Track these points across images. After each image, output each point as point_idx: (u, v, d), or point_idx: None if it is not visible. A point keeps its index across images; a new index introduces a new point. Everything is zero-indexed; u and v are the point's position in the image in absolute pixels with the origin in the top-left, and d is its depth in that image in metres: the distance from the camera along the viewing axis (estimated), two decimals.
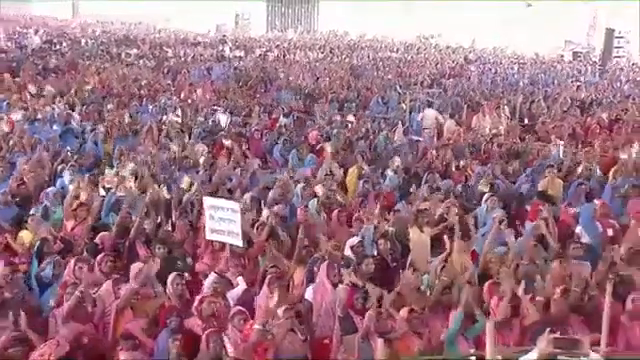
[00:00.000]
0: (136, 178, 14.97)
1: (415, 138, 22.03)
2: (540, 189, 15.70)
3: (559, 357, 6.97)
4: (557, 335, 7.03)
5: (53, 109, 21.96)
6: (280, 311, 9.60)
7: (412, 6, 55.32)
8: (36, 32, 46.49)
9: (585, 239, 13.12)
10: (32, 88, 25.65)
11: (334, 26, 59.41)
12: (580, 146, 21.09)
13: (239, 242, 11.01)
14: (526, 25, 50.32)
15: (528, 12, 52.57)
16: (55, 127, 19.63)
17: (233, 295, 10.52)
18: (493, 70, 38.90)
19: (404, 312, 9.70)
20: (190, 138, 20.06)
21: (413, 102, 26.62)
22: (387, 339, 9.35)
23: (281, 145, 19.50)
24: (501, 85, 33.27)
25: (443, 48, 50.66)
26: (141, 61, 37.39)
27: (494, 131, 23.14)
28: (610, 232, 13.51)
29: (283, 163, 18.45)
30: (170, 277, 10.16)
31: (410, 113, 25.52)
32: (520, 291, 10.12)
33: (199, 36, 52.54)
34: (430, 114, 24.92)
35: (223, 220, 10.92)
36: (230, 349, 9.09)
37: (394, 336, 9.46)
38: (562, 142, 20.01)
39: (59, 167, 15.94)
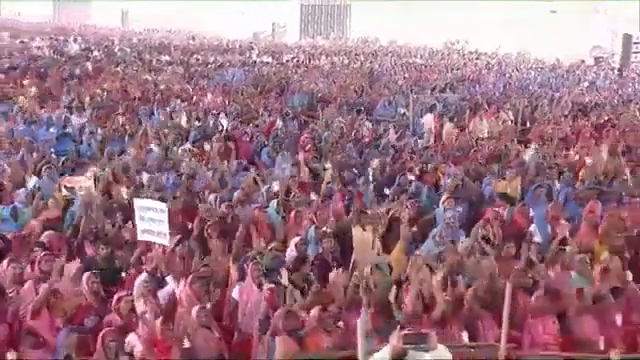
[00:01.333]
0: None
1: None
2: (499, 190, 15.42)
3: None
4: (406, 331, 7.02)
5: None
6: (194, 310, 9.55)
7: (442, 13, 54.82)
8: (75, 40, 46.84)
9: (537, 239, 13.03)
10: (34, 89, 25.74)
11: (366, 33, 59.23)
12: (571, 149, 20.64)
13: (166, 242, 10.86)
14: (552, 31, 49.65)
15: (552, 18, 51.76)
16: (52, 130, 19.64)
17: (163, 293, 10.37)
18: (507, 75, 38.25)
19: (315, 310, 9.57)
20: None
21: (418, 106, 26.25)
22: (295, 336, 9.28)
23: (270, 147, 19.32)
24: (512, 89, 32.63)
25: (467, 54, 50.18)
26: (170, 67, 37.23)
27: (481, 134, 22.76)
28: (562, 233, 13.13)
29: (270, 165, 18.21)
30: (85, 276, 10.11)
31: (414, 117, 25.17)
32: (435, 286, 9.92)
33: (231, 43, 52.42)
34: (428, 118, 24.70)
35: (153, 221, 10.80)
36: (138, 347, 9.02)
37: (302, 333, 9.35)
38: (535, 145, 19.66)
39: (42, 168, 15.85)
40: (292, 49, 49.50)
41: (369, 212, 13.22)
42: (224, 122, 22.67)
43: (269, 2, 61.09)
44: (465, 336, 9.85)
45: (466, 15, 53.74)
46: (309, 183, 16.07)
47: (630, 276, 11.03)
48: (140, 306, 9.80)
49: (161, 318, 9.11)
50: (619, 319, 10.35)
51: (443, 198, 14.52)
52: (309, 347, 9.25)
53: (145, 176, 14.96)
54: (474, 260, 11.41)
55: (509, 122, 24.78)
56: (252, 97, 27.75)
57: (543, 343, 9.93)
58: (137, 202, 11.36)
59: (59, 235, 12.18)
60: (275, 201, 14.18)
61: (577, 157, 18.72)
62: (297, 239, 12.14)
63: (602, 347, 10.01)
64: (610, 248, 12.38)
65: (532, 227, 13.43)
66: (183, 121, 23.03)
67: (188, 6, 65.63)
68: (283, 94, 30.22)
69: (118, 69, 34.14)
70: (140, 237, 11.23)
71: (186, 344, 9.24)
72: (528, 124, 25.32)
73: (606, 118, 24.41)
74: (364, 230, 12.67)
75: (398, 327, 7.25)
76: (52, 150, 17.79)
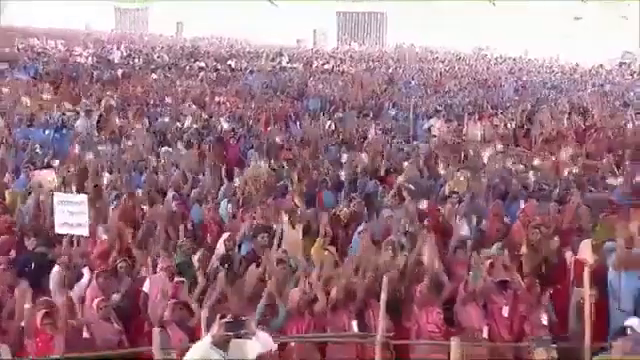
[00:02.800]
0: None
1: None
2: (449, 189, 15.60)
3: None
4: (227, 319, 7.26)
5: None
6: (94, 302, 9.84)
7: (472, 19, 54.63)
8: (118, 47, 47.71)
9: (463, 232, 13.40)
10: (46, 95, 26.44)
11: (402, 40, 59.30)
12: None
13: (85, 232, 11.16)
14: (578, 37, 49.29)
15: (579, 24, 51.31)
16: (47, 131, 20.23)
17: (81, 285, 10.69)
18: (523, 79, 38.13)
19: (209, 302, 9.84)
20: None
21: (421, 110, 26.51)
22: (184, 327, 9.58)
23: (255, 149, 19.68)
24: (524, 93, 32.60)
25: (492, 59, 50.00)
26: (202, 73, 37.87)
27: (475, 138, 22.88)
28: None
29: None
30: None
31: (415, 120, 25.41)
32: (315, 280, 10.20)
33: (261, 49, 52.85)
34: (432, 122, 24.94)
35: (72, 213, 11.03)
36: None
37: (191, 325, 9.65)
38: (496, 146, 19.76)
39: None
40: (324, 55, 49.65)
41: (299, 211, 13.41)
42: (225, 125, 23.08)
43: (311, 11, 61.44)
44: (355, 325, 10.10)
45: (495, 21, 53.37)
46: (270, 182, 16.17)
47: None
48: (57, 298, 10.10)
49: (43, 311, 9.19)
50: (505, 310, 10.50)
51: (387, 197, 14.73)
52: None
53: (107, 176, 15.27)
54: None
55: (502, 126, 24.65)
56: (266, 101, 28.04)
57: (428, 332, 10.15)
58: (57, 196, 11.55)
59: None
60: (226, 200, 14.47)
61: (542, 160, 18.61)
62: (226, 235, 12.41)
63: (486, 336, 10.25)
64: (528, 244, 12.46)
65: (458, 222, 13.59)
66: (188, 123, 23.44)
67: (238, 16, 66.54)
68: (299, 98, 30.58)
69: (154, 75, 34.77)
70: (58, 230, 11.38)
71: (85, 335, 9.54)
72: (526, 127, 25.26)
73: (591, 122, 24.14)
74: (293, 228, 12.89)
75: (218, 316, 7.45)
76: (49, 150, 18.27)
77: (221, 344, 7.20)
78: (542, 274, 11.89)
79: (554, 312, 11.18)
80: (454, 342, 8.48)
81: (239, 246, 12.63)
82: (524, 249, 12.39)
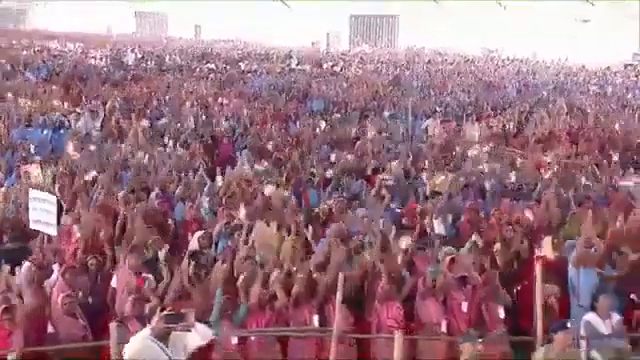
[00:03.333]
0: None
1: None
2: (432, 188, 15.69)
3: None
4: (167, 312, 7.41)
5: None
6: (59, 298, 9.97)
7: (483, 21, 54.77)
8: (132, 50, 48.05)
9: (439, 230, 13.65)
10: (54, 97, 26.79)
11: (413, 42, 59.53)
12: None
13: (53, 232, 11.31)
14: (588, 38, 49.27)
15: (587, 27, 51.21)
16: (45, 132, 20.48)
17: (50, 282, 10.78)
18: (525, 80, 38.15)
19: (170, 296, 10.00)
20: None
21: (418, 110, 26.62)
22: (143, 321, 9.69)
23: (248, 149, 19.84)
24: (526, 94, 32.63)
25: (499, 61, 50.03)
26: (211, 75, 38.11)
27: (472, 139, 22.98)
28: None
29: None
30: None
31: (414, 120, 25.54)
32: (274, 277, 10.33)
33: (273, 51, 53.12)
34: (429, 122, 25.05)
35: (43, 211, 11.22)
36: None
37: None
38: (482, 146, 19.83)
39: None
40: (334, 57, 49.81)
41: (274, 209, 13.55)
42: (224, 125, 23.28)
43: (325, 13, 61.85)
44: (316, 320, 10.24)
45: (505, 23, 53.52)
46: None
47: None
48: (25, 294, 10.23)
49: (2, 306, 9.30)
50: (465, 305, 10.61)
51: (369, 197, 14.87)
52: None
53: (91, 174, 15.43)
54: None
55: (499, 127, 24.71)
56: (268, 102, 28.23)
57: (387, 327, 10.27)
58: (31, 193, 11.75)
59: None
60: (207, 198, 14.60)
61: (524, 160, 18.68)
62: (200, 233, 12.55)
63: (445, 330, 10.45)
64: (501, 240, 12.56)
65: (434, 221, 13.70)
66: (191, 123, 23.63)
67: (255, 19, 67.10)
68: (303, 99, 30.74)
69: (166, 77, 35.06)
70: (32, 226, 11.59)
71: (50, 329, 9.70)
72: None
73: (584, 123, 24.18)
74: (268, 225, 13.01)
75: (159, 309, 7.56)
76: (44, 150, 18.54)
77: (161, 336, 7.32)
78: (514, 270, 12.18)
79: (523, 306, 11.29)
80: (397, 335, 8.58)
81: (216, 244, 12.65)
82: (497, 246, 12.47)
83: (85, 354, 9.53)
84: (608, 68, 45.32)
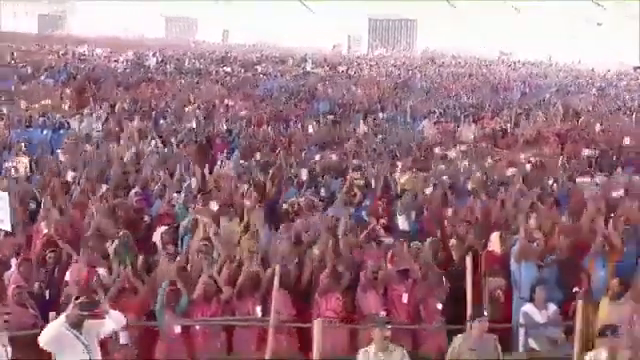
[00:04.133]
0: None
1: None
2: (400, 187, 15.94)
3: None
4: (82, 300, 7.76)
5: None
6: (10, 289, 10.32)
7: (499, 24, 54.90)
8: (154, 54, 48.71)
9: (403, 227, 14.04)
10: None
11: (432, 45, 59.84)
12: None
13: (8, 227, 11.60)
14: (600, 40, 49.23)
15: (599, 30, 51.08)
16: (45, 132, 20.96)
17: (8, 274, 11.05)
18: (529, 83, 38.23)
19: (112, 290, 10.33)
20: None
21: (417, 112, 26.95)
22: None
23: (240, 149, 20.19)
24: (530, 96, 32.79)
25: (512, 63, 50.08)
26: (227, 78, 38.59)
27: (467, 139, 23.23)
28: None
29: None
30: None
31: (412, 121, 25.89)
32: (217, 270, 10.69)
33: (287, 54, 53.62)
34: (425, 123, 25.32)
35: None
36: None
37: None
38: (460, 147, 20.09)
39: None
40: (350, 60, 50.14)
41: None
42: (224, 126, 23.67)
43: (347, 17, 62.47)
44: (259, 310, 10.56)
45: (520, 27, 53.56)
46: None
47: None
48: None
49: None
50: (405, 297, 10.90)
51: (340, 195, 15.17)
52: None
53: (70, 174, 15.81)
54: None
55: (492, 127, 24.90)
56: (270, 104, 28.62)
57: (326, 317, 10.56)
58: None
59: None
60: (183, 195, 14.91)
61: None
62: (163, 228, 12.90)
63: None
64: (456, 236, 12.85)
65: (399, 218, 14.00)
66: (193, 124, 24.03)
67: (280, 24, 67.85)
68: (309, 101, 31.08)
69: (183, 78, 35.58)
70: None
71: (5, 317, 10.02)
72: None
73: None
74: (230, 220, 13.33)
75: (74, 297, 7.88)
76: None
77: (75, 323, 7.67)
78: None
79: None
80: (316, 323, 8.91)
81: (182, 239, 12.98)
82: (452, 241, 12.77)
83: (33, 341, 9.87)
84: (609, 70, 45.21)
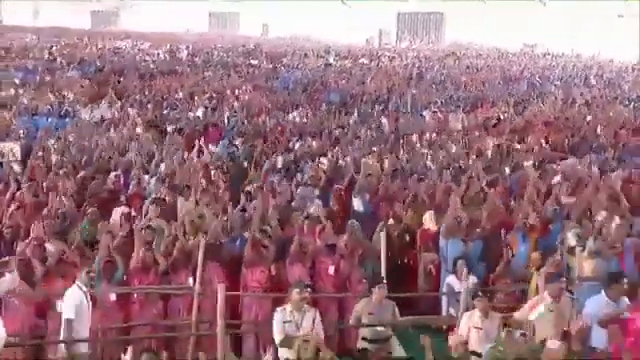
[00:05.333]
0: None
1: None
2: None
3: None
4: None
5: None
6: None
7: (524, 16, 54.96)
8: (187, 47, 49.68)
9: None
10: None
11: (461, 38, 60.09)
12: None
13: None
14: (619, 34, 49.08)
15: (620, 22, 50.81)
16: (50, 119, 21.85)
17: None
18: (538, 75, 38.37)
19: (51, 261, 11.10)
20: None
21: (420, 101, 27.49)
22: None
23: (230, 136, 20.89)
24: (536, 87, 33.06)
25: (534, 55, 50.10)
26: (251, 70, 39.28)
27: (455, 128, 23.65)
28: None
29: None
30: None
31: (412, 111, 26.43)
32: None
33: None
34: (426, 113, 25.82)
35: None
36: None
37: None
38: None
39: None
40: (373, 53, 50.61)
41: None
42: (227, 114, 24.39)
43: (379, 11, 63.06)
44: (191, 281, 11.25)
45: (546, 19, 53.62)
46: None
47: None
48: None
49: None
50: (331, 269, 11.62)
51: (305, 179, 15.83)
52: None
53: (53, 157, 16.63)
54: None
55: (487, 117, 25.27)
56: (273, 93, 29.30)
57: (251, 287, 11.32)
58: None
59: None
60: (155, 178, 15.61)
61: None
62: (122, 208, 13.67)
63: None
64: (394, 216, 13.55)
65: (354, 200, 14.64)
66: (200, 113, 24.80)
67: (316, 17, 68.74)
68: (321, 91, 31.63)
69: (208, 72, 36.45)
70: None
71: None
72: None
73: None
74: (186, 200, 14.02)
75: None
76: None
77: None
78: (407, 242, 13.30)
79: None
80: (220, 289, 9.62)
81: None
82: (390, 220, 13.40)
83: None
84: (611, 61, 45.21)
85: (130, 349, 8.12)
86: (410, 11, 66.02)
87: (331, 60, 45.08)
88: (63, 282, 10.55)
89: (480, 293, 9.85)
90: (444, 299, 11.99)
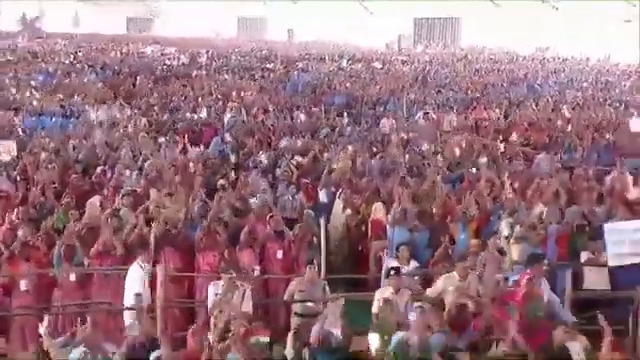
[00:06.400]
0: None
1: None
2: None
3: None
4: None
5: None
6: None
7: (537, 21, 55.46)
8: (207, 52, 50.59)
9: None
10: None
11: (476, 42, 60.71)
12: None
13: None
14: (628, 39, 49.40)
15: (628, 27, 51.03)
16: (54, 119, 22.81)
17: None
18: (540, 78, 38.82)
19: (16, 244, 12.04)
20: None
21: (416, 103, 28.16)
22: None
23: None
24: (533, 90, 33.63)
25: (543, 59, 50.48)
26: (266, 73, 40.05)
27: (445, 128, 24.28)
28: None
29: None
30: None
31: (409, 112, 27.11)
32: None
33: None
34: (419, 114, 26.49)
35: None
36: None
37: None
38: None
39: None
40: (387, 57, 51.23)
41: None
42: (227, 116, 25.22)
43: (400, 17, 63.86)
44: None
45: (557, 23, 54.15)
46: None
47: None
48: None
49: None
50: (280, 254, 12.65)
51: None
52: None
53: (43, 153, 17.57)
54: None
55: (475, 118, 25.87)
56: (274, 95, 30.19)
57: (203, 270, 12.16)
58: None
59: None
60: (136, 172, 16.47)
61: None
62: (97, 197, 14.58)
63: (258, 273, 12.41)
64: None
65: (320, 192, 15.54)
66: (204, 114, 25.65)
67: (340, 23, 69.74)
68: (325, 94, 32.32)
69: (225, 76, 37.36)
70: None
71: None
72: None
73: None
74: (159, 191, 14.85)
75: None
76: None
77: None
78: (363, 231, 14.34)
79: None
80: (159, 270, 10.46)
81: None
82: (347, 211, 14.26)
83: None
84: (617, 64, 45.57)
85: (46, 318, 8.96)
86: (427, 16, 66.71)
87: (344, 64, 45.69)
88: (27, 264, 11.49)
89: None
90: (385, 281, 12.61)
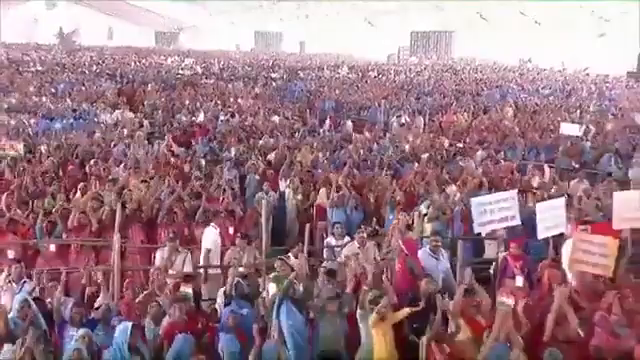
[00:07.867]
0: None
1: None
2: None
3: None
4: None
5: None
6: None
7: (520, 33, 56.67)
8: (219, 62, 51.99)
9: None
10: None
11: (467, 54, 61.95)
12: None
13: None
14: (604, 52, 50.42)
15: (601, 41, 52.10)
16: (64, 121, 24.08)
17: None
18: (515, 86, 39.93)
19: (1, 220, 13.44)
20: None
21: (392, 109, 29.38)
22: None
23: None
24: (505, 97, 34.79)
25: (524, 71, 51.57)
26: (268, 82, 41.35)
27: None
28: None
29: None
30: None
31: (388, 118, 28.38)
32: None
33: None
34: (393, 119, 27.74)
35: None
36: None
37: None
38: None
39: None
40: (381, 67, 52.43)
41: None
42: (221, 117, 26.52)
43: (400, 30, 65.29)
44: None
45: (539, 37, 55.28)
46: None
47: None
48: None
49: None
50: (231, 229, 13.79)
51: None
52: None
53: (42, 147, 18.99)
54: None
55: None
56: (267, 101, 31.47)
57: (162, 242, 13.29)
58: None
59: None
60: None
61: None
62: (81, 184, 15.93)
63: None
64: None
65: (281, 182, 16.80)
66: (201, 118, 26.92)
67: (345, 36, 71.14)
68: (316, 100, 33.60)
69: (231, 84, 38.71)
70: None
71: None
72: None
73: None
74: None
75: None
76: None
77: None
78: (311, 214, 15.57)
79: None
80: (115, 242, 11.77)
81: None
82: (298, 197, 15.76)
83: None
84: (607, 76, 46.39)
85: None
86: (423, 30, 68.23)
87: (341, 73, 46.93)
88: (13, 236, 12.88)
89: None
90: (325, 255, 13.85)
